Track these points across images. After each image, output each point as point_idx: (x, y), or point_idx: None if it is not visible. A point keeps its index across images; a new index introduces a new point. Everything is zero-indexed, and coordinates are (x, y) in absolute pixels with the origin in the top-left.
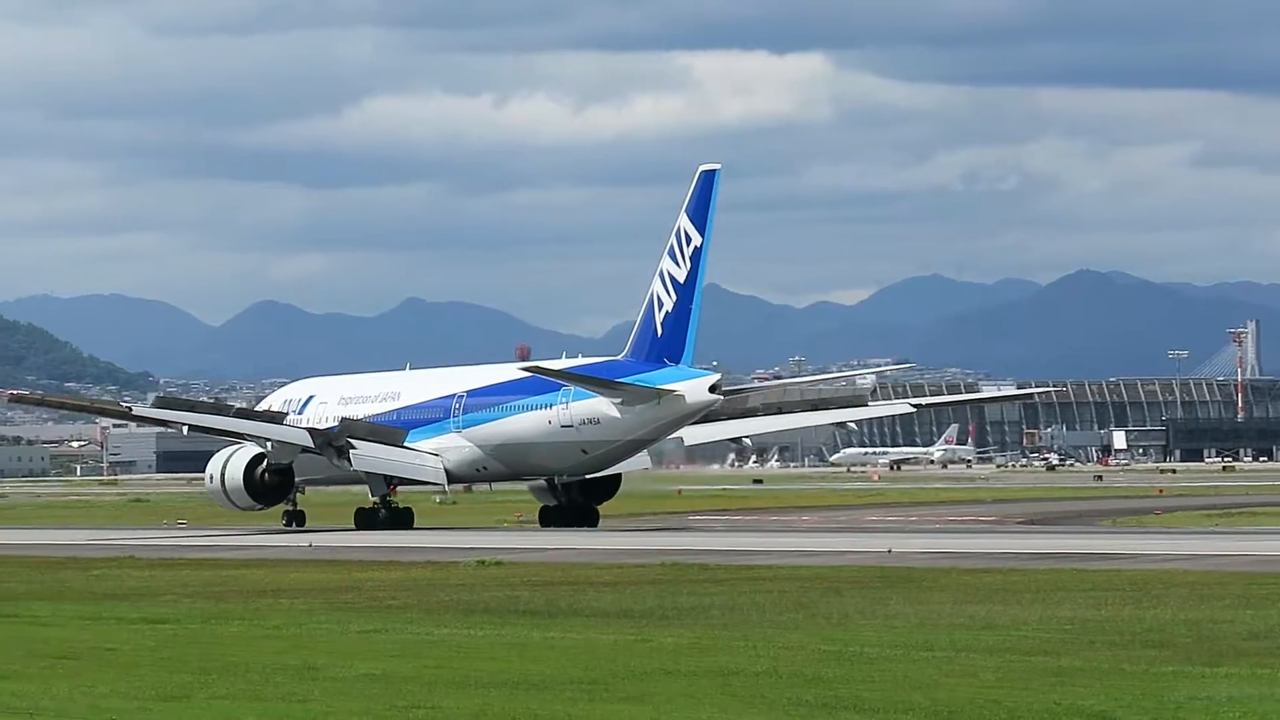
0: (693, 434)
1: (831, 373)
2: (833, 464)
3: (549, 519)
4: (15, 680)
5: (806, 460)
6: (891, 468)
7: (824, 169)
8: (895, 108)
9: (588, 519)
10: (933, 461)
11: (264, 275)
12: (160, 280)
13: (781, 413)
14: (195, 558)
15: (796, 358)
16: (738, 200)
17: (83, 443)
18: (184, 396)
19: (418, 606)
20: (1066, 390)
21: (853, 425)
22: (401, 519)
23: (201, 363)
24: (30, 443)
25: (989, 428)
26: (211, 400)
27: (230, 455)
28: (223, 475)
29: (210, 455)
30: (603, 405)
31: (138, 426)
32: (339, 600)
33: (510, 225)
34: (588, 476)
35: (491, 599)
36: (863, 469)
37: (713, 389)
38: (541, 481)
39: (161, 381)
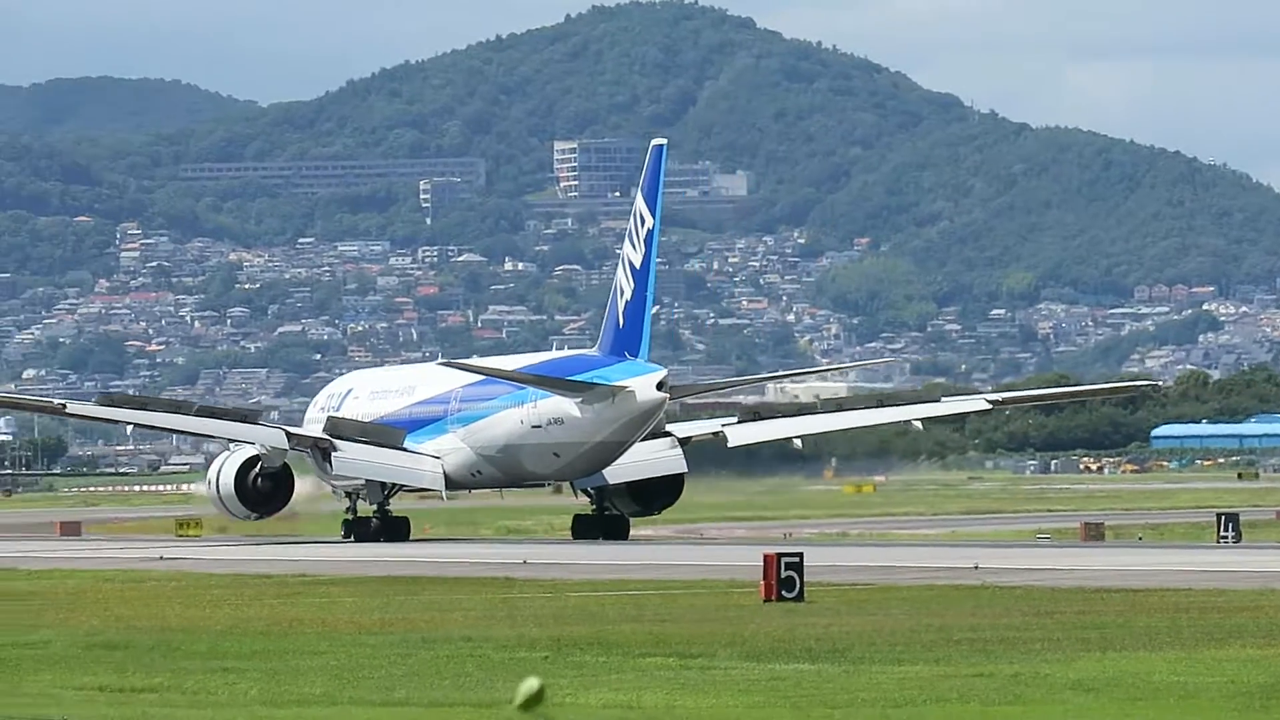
0: (737, 435)
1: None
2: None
3: (579, 529)
4: None
5: None
6: None
7: None
8: None
9: (617, 531)
10: None
11: None
12: None
13: (842, 409)
14: None
15: None
16: None
17: None
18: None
19: None
20: None
21: (918, 425)
22: (395, 529)
23: None
24: None
25: None
26: (169, 398)
27: (226, 459)
28: (218, 481)
29: None
30: (567, 405)
31: None
32: None
33: None
34: (634, 480)
35: None
36: None
37: (659, 386)
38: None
39: None
